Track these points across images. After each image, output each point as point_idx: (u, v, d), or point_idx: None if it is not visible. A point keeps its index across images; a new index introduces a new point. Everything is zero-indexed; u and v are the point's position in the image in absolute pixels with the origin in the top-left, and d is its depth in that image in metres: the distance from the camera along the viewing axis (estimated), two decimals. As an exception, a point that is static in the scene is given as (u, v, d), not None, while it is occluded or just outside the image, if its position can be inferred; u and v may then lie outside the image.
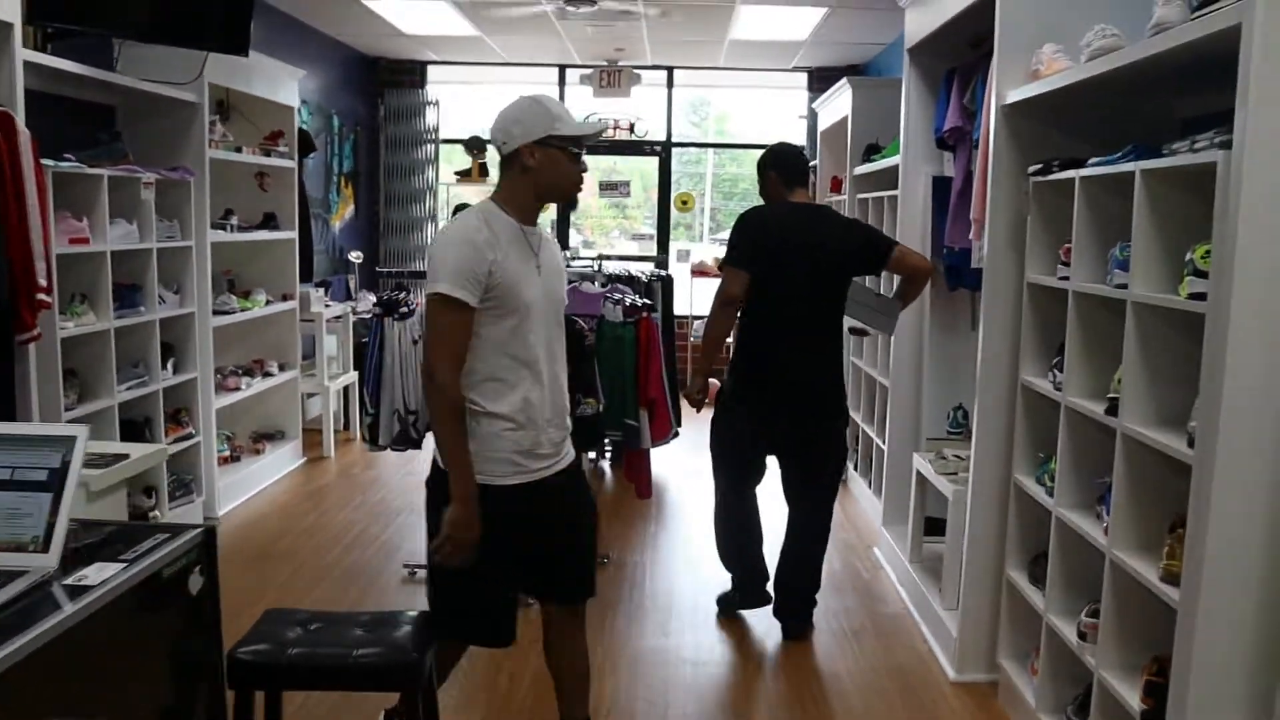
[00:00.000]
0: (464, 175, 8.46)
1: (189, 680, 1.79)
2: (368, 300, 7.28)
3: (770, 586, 3.72)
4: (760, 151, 3.72)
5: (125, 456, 2.23)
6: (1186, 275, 2.14)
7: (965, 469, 3.64)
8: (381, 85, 8.55)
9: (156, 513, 4.39)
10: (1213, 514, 2.00)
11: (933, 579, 3.84)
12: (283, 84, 5.59)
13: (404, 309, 3.93)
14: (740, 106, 10.65)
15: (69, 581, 1.53)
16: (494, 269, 2.21)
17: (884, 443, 4.94)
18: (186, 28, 4.05)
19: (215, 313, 4.97)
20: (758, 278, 3.43)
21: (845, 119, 6.00)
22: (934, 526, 4.06)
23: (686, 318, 8.03)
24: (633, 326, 4.03)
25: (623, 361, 4.01)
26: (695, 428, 6.50)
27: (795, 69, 8.63)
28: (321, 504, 5.27)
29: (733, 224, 3.59)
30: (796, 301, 3.45)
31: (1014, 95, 3.02)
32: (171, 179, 4.44)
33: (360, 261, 7.26)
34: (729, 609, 3.83)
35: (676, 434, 4.47)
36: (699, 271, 8.26)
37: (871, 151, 5.53)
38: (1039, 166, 2.92)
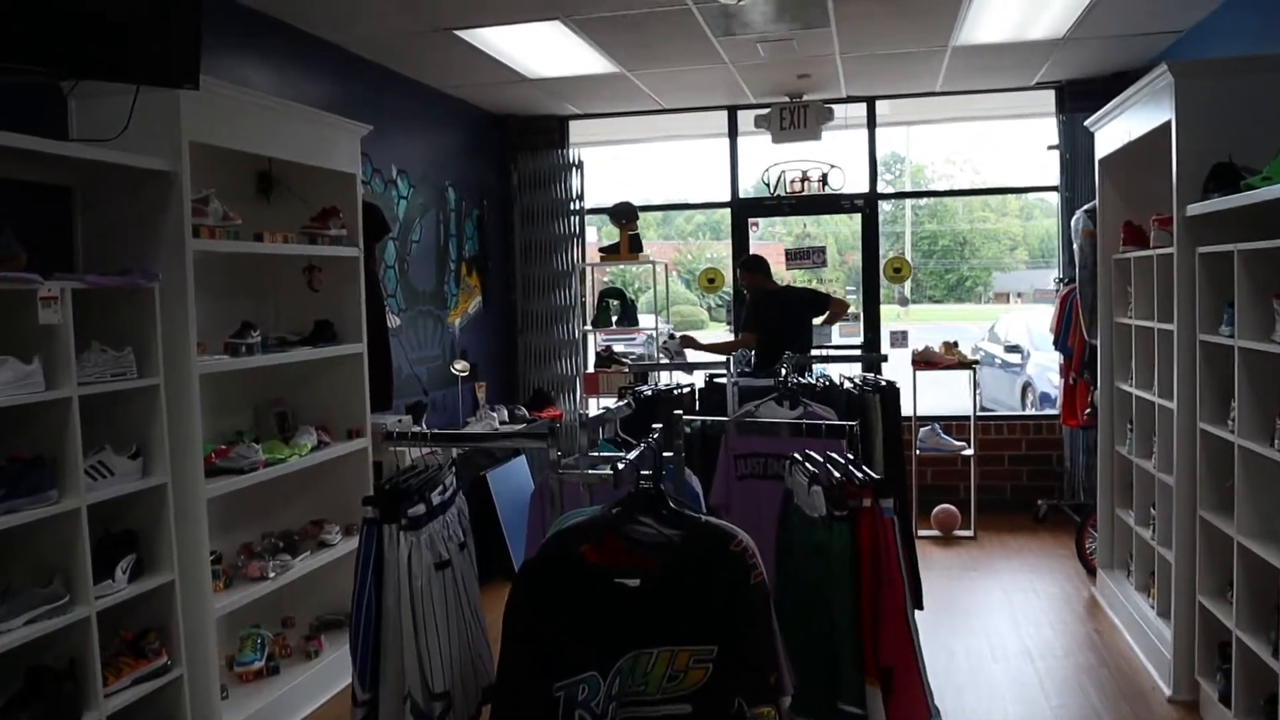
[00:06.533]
0: (609, 252, 6.77)
1: None
2: (490, 418, 5.67)
3: None
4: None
5: None
6: None
7: None
8: (513, 148, 7.04)
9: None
10: None
11: None
12: (336, 144, 4.07)
13: (420, 507, 2.15)
14: (954, 146, 8.61)
15: None
16: None
17: None
18: (77, 49, 2.50)
19: (222, 473, 3.42)
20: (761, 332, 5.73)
21: (1153, 134, 3.92)
22: None
23: (909, 419, 5.93)
24: (846, 526, 2.10)
25: (828, 596, 2.09)
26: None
27: (1039, 85, 6.51)
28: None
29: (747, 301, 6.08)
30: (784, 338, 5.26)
31: None
32: (111, 287, 2.92)
33: (466, 375, 5.65)
34: None
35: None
36: (924, 362, 6.14)
37: (1224, 176, 3.40)
38: None
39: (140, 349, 3.01)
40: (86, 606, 2.79)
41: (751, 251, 6.96)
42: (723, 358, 5.66)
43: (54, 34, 2.41)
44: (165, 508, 3.11)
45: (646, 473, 1.96)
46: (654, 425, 2.39)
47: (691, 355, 5.98)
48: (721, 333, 6.28)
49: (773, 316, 5.81)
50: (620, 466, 2.06)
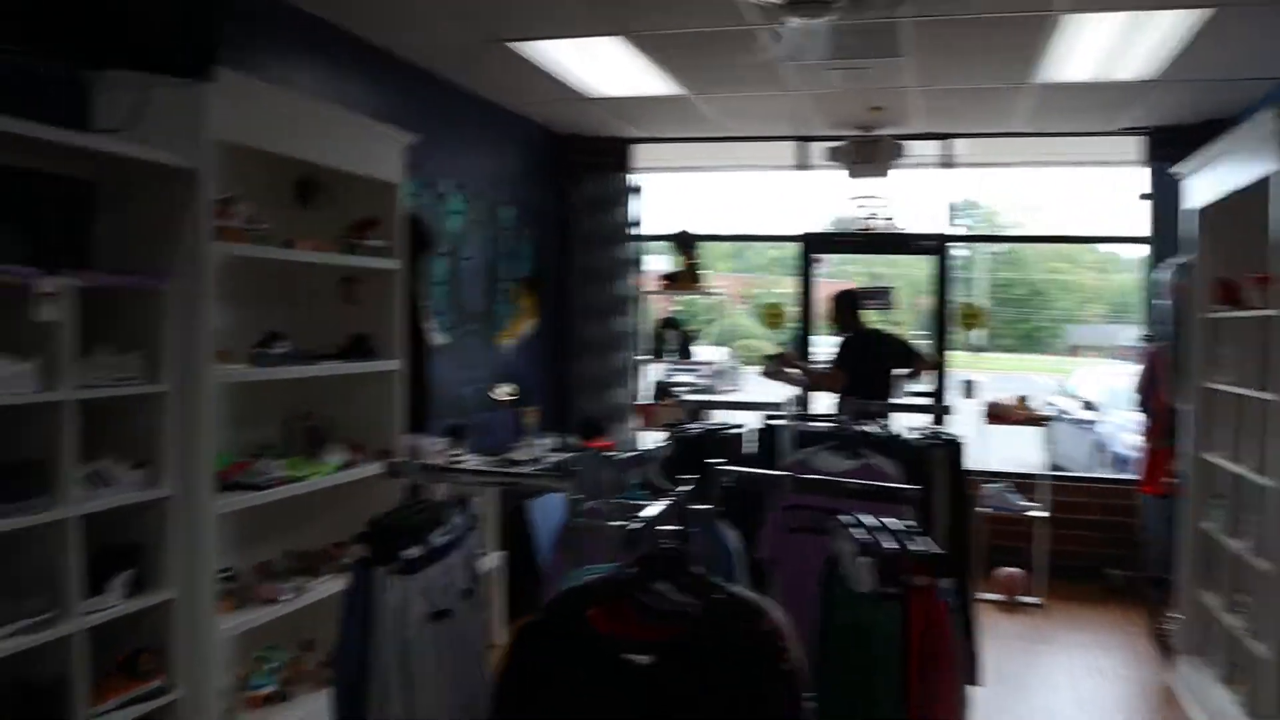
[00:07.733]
0: (670, 280, 6.54)
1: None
2: (536, 446, 5.44)
3: None
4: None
5: None
6: None
7: None
8: (574, 169, 6.87)
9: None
10: None
11: None
12: (378, 152, 3.91)
13: (416, 549, 1.91)
14: (1029, 191, 8.26)
15: None
16: None
17: None
18: (91, 37, 2.36)
19: (238, 488, 3.23)
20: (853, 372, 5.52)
21: (1252, 185, 3.59)
22: None
23: (977, 474, 5.52)
24: (897, 607, 1.82)
25: (870, 683, 1.81)
26: None
27: (1125, 131, 6.14)
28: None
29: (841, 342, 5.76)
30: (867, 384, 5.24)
31: None
32: (118, 287, 2.76)
33: (512, 399, 5.44)
34: None
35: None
36: (999, 416, 5.76)
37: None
38: None
39: (150, 354, 2.84)
40: (74, 622, 2.61)
41: (826, 289, 6.67)
42: (804, 387, 5.69)
43: (66, 21, 2.27)
44: (170, 521, 2.93)
45: (671, 529, 1.70)
46: (681, 476, 2.12)
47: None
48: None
49: (861, 359, 5.61)
50: (638, 525, 1.80)
